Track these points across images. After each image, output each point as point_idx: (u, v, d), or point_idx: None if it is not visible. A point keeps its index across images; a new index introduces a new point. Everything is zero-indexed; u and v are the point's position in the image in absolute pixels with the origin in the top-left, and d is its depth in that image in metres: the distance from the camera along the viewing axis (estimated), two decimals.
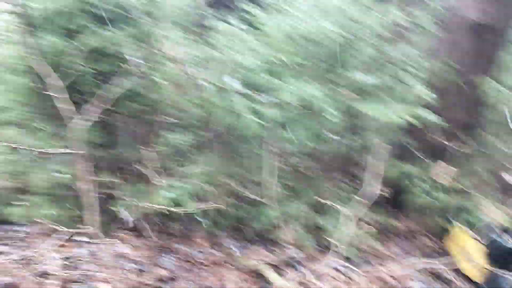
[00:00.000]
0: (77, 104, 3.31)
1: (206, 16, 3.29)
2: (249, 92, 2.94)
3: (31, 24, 2.78)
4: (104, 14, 3.06)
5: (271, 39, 3.22)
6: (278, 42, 3.26)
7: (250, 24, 3.50)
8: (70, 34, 3.03)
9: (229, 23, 3.22)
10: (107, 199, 3.17)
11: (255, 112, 2.90)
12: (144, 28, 3.09)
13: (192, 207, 2.98)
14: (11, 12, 3.03)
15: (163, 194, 2.99)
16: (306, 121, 3.08)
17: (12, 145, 2.92)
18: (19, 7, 2.69)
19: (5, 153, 3.10)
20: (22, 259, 2.69)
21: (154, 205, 2.90)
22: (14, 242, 2.91)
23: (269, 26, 3.17)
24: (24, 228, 3.02)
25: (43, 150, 2.99)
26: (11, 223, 3.01)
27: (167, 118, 3.47)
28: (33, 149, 2.90)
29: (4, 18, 2.96)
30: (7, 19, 2.88)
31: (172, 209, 2.90)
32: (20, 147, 2.82)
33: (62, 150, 2.92)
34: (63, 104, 2.84)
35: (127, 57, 3.00)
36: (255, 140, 3.13)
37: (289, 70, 3.10)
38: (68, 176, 2.99)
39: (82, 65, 3.05)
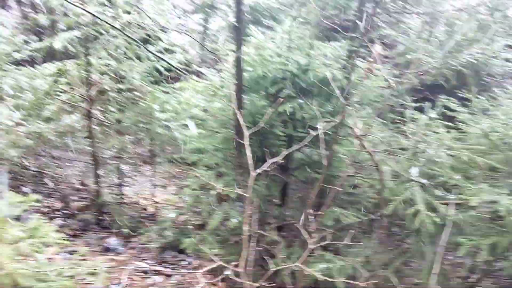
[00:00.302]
0: (260, 159, 3.64)
1: (403, 103, 3.27)
2: (431, 186, 2.77)
3: (242, 84, 3.17)
4: (302, 84, 3.33)
5: (467, 136, 3.02)
6: (474, 141, 3.04)
7: (445, 115, 3.37)
8: (269, 96, 3.38)
9: (425, 114, 3.14)
10: (264, 252, 3.31)
11: (433, 209, 2.71)
12: (337, 103, 3.23)
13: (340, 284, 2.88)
14: (229, 72, 3.56)
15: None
16: (490, 232, 2.74)
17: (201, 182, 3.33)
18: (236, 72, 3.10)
19: (195, 190, 3.53)
20: (179, 283, 2.99)
21: (307, 270, 2.90)
22: (178, 268, 3.25)
23: (469, 124, 2.99)
24: (190, 259, 3.35)
25: (220, 190, 3.33)
26: (183, 252, 3.37)
27: (338, 191, 3.49)
28: (219, 188, 3.23)
29: (223, 76, 3.43)
30: (225, 77, 3.33)
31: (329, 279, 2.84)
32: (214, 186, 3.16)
33: (239, 191, 3.19)
34: (249, 156, 3.12)
35: (318, 126, 3.16)
36: (426, 237, 2.90)
37: (481, 172, 2.84)
38: (236, 221, 3.22)
39: (273, 125, 3.36)
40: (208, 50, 5.32)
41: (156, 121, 3.88)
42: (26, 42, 6.96)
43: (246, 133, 2.44)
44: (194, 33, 7.31)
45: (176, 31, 4.68)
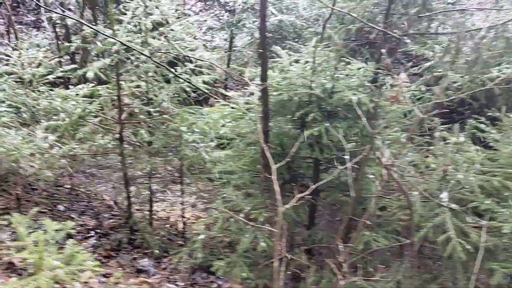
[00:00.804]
0: (287, 181, 3.67)
1: (431, 125, 3.25)
2: (461, 211, 2.74)
3: (268, 109, 3.21)
4: (328, 107, 3.35)
5: (498, 157, 2.97)
6: (505, 161, 2.98)
7: (473, 135, 3.32)
8: (295, 120, 3.41)
9: (454, 134, 3.10)
10: (293, 276, 3.33)
11: (464, 234, 2.67)
12: (364, 126, 3.23)
13: None
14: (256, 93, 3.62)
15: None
16: None
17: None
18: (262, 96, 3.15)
19: (221, 211, 3.58)
20: None
21: None
22: None
23: (499, 144, 2.94)
24: (221, 281, 3.40)
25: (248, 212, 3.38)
26: (214, 274, 3.42)
27: (368, 214, 3.48)
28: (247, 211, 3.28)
29: (250, 98, 3.49)
30: (252, 99, 3.39)
31: None
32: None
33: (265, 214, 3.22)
34: (277, 191, 3.16)
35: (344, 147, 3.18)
36: (458, 262, 2.85)
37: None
38: (265, 245, 3.25)
39: (300, 148, 3.39)
40: (227, 73, 5.40)
41: (184, 143, 3.96)
42: (59, 64, 7.24)
43: (274, 167, 2.48)
44: (220, 51, 7.43)
45: (203, 50, 4.76)
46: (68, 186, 5.94)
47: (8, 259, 3.26)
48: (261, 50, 3.10)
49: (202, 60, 3.87)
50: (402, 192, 2.66)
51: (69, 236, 4.69)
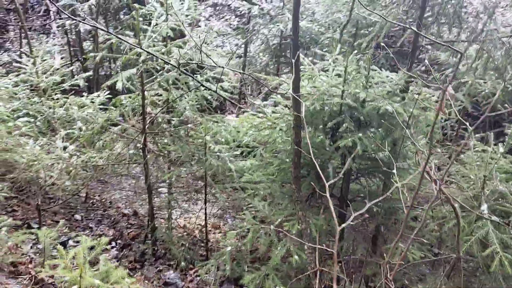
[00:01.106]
0: (316, 190, 3.61)
1: (462, 134, 3.19)
2: (504, 223, 2.68)
3: (301, 120, 3.16)
4: (360, 117, 3.30)
5: None
6: None
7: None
8: (326, 130, 3.36)
9: (489, 143, 3.05)
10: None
11: (508, 247, 2.61)
12: (396, 133, 3.18)
13: None
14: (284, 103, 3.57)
15: None
16: None
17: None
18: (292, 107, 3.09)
19: (251, 222, 3.53)
20: None
21: None
22: None
23: None
24: None
25: (279, 224, 3.33)
26: (242, 286, 3.36)
27: (399, 224, 3.43)
28: (279, 223, 3.22)
29: (281, 110, 3.43)
30: (284, 112, 3.33)
31: None
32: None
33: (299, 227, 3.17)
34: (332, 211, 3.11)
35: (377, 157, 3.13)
36: (499, 274, 2.79)
37: None
38: (297, 258, 3.19)
39: (331, 157, 3.34)
40: (257, 81, 5.35)
41: (209, 152, 3.91)
42: (73, 72, 7.19)
43: (327, 184, 2.42)
44: (233, 56, 7.38)
45: (220, 56, 4.71)
46: (83, 195, 5.88)
47: (37, 275, 3.19)
48: (293, 60, 3.05)
49: (225, 68, 3.81)
50: (451, 208, 2.60)
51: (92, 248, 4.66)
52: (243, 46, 8.10)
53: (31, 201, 5.15)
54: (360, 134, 3.12)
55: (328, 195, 2.22)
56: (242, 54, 6.73)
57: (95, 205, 6.01)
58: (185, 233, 4.48)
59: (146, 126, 4.02)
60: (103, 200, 6.15)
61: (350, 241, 3.62)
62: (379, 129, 3.17)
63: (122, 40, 3.22)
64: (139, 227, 5.42)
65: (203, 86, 3.61)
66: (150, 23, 7.29)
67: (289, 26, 5.66)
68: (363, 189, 3.73)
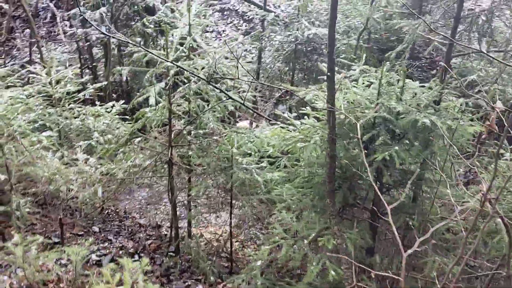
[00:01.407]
0: (350, 204, 3.58)
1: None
2: None
3: (335, 133, 3.12)
4: (395, 129, 3.26)
5: None
6: None
7: None
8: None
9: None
10: None
11: None
12: (434, 147, 3.14)
13: None
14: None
15: None
16: None
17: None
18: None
19: (282, 236, 3.48)
20: None
21: None
22: None
23: None
24: None
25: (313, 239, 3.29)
26: None
27: (433, 236, 3.39)
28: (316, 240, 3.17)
29: (311, 122, 3.39)
30: (317, 125, 3.29)
31: None
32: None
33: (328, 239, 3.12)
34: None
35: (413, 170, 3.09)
36: None
37: None
38: (334, 273, 3.14)
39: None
40: (289, 93, 5.31)
41: (237, 165, 3.87)
42: (87, 82, 7.13)
43: (389, 208, 2.37)
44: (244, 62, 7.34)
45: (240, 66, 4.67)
46: (101, 205, 5.83)
47: None
48: (328, 74, 3.01)
49: (248, 82, 3.78)
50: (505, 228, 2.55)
51: (113, 260, 4.60)
52: (253, 50, 8.06)
53: (51, 215, 5.09)
54: (397, 148, 3.07)
55: (390, 219, 2.18)
56: (255, 60, 6.68)
57: (110, 216, 5.96)
58: (210, 246, 4.43)
59: (172, 139, 3.97)
60: (118, 210, 6.10)
61: (381, 253, 3.59)
62: (415, 142, 3.14)
63: (153, 54, 3.17)
64: (158, 238, 5.37)
65: (232, 98, 3.56)
66: (162, 31, 7.23)
67: (305, 33, 5.62)
68: (393, 200, 3.69)
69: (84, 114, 5.62)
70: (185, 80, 3.78)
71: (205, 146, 4.00)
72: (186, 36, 4.00)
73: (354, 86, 3.47)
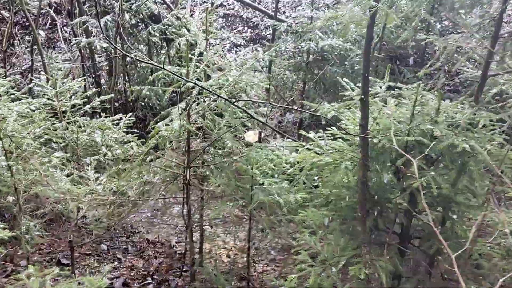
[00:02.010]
0: (378, 229, 3.42)
1: None
2: None
3: (368, 157, 2.97)
4: (431, 154, 3.12)
5: None
6: None
7: None
8: (393, 168, 3.17)
9: None
10: None
11: None
12: (474, 173, 3.00)
13: None
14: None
15: None
16: None
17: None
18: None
19: (306, 262, 3.33)
20: None
21: None
22: None
23: None
24: None
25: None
26: None
27: (466, 262, 3.25)
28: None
29: (340, 144, 3.24)
30: (347, 148, 3.14)
31: None
32: None
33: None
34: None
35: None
36: None
37: None
38: None
39: (397, 194, 3.15)
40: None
41: (258, 187, 3.70)
42: (86, 89, 6.93)
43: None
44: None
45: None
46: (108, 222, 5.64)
47: None
48: (362, 97, 2.86)
49: (272, 105, 3.63)
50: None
51: (125, 284, 4.41)
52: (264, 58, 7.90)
53: (59, 234, 4.90)
54: (433, 173, 2.93)
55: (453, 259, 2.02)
56: (265, 69, 6.52)
57: (117, 231, 5.77)
58: (227, 268, 4.27)
59: (189, 159, 3.79)
60: (124, 225, 5.90)
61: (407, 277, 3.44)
62: (452, 167, 2.99)
63: (174, 74, 2.99)
64: (168, 257, 5.19)
65: (254, 118, 3.40)
66: (167, 40, 7.04)
67: (320, 44, 5.47)
68: (423, 224, 3.55)
69: (90, 128, 5.44)
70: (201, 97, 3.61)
71: (224, 165, 3.83)
72: (202, 51, 3.84)
73: (384, 106, 3.32)
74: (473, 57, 3.61)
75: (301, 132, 3.51)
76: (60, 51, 9.01)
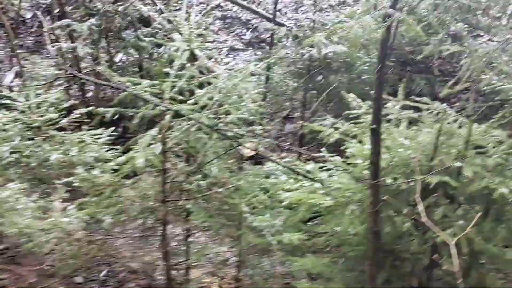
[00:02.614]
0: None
1: None
2: None
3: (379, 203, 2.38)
4: (459, 197, 2.51)
5: None
6: None
7: None
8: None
9: None
10: None
11: None
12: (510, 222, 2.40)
13: None
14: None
15: None
16: None
17: None
18: None
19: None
20: None
21: None
22: None
23: None
24: None
25: None
26: None
27: None
28: None
29: (344, 180, 2.64)
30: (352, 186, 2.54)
31: None
32: None
33: None
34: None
35: None
36: None
37: None
38: None
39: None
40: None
41: (246, 226, 3.11)
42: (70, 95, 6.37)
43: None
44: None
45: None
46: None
47: None
48: (374, 127, 2.26)
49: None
50: None
51: None
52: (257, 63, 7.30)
53: (23, 269, 4.34)
54: (463, 222, 2.32)
55: None
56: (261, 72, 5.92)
57: (95, 258, 5.19)
58: None
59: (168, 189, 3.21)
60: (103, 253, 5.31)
61: None
62: (487, 216, 2.39)
63: (144, 98, 2.40)
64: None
65: (241, 145, 2.81)
66: (158, 44, 6.46)
67: (322, 51, 4.88)
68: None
69: (66, 144, 4.86)
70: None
71: (208, 198, 3.25)
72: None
73: (398, 131, 2.72)
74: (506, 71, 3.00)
75: (299, 163, 2.92)
76: (48, 55, 8.46)
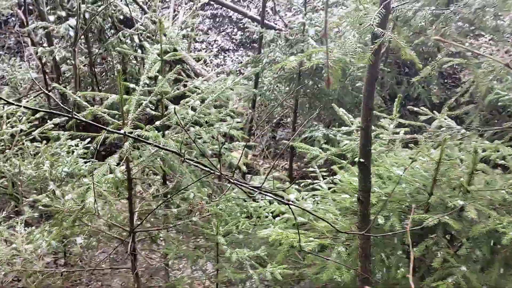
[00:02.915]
0: None
1: None
2: None
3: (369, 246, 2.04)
4: (462, 239, 2.18)
5: None
6: None
7: None
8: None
9: None
10: None
11: None
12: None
13: None
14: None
15: None
16: None
17: None
18: None
19: None
20: None
21: None
22: None
23: None
24: None
25: None
26: None
27: None
28: None
29: (330, 216, 2.31)
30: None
31: None
32: None
33: None
34: None
35: None
36: None
37: None
38: None
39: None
40: None
41: (222, 257, 2.79)
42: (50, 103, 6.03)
43: None
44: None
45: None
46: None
47: None
48: (362, 161, 1.93)
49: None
50: None
51: None
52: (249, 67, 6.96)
53: None
54: (465, 268, 2.00)
55: None
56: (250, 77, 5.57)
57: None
58: None
59: (135, 220, 2.88)
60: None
61: None
62: (494, 261, 2.06)
63: (99, 126, 2.06)
64: None
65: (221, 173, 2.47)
66: (141, 46, 6.09)
67: (313, 57, 4.52)
68: None
69: (39, 157, 4.52)
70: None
71: (182, 228, 2.93)
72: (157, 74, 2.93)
73: (393, 159, 2.39)
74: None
75: (285, 194, 2.58)
76: (30, 57, 8.09)
